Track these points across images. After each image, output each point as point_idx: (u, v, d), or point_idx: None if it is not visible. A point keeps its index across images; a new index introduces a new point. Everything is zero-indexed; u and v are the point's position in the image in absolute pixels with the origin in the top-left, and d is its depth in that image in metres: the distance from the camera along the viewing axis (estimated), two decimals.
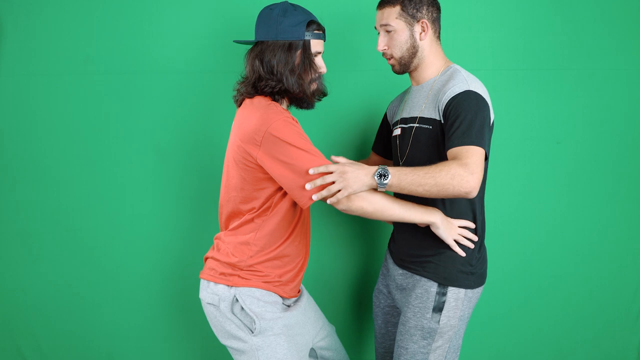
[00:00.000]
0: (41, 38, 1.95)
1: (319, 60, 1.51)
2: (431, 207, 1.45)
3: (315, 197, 1.36)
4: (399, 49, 1.53)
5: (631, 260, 2.14)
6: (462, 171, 1.29)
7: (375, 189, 1.37)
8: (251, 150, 1.40)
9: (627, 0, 2.03)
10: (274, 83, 1.46)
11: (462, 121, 1.36)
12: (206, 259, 1.59)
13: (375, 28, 1.57)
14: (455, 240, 1.47)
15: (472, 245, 1.47)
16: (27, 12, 1.94)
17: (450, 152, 1.36)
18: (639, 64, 2.06)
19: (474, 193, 1.31)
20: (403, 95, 1.72)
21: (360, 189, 1.35)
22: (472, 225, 1.49)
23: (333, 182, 1.34)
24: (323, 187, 1.36)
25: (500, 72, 1.92)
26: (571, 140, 2.07)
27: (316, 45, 1.48)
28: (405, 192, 1.35)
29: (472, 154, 1.32)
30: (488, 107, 1.43)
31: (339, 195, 1.34)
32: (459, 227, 1.48)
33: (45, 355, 2.06)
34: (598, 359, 2.16)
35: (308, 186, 1.35)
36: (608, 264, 2.13)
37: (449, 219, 1.47)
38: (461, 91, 1.40)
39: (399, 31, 1.51)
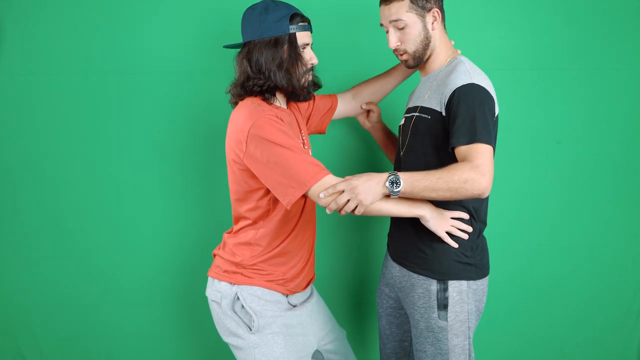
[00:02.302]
0: (41, 38, 1.95)
1: (308, 52, 1.50)
2: (420, 200, 1.41)
3: (329, 212, 1.36)
4: (413, 43, 1.49)
5: (631, 260, 2.14)
6: (473, 174, 1.28)
7: (388, 196, 1.36)
8: (238, 151, 1.40)
9: (627, 0, 2.03)
10: (262, 81, 1.45)
11: (466, 116, 1.34)
12: (214, 255, 1.60)
13: (382, 25, 1.53)
14: (449, 233, 1.44)
15: (465, 237, 1.44)
16: (27, 12, 1.94)
17: (459, 152, 1.34)
18: (639, 64, 2.06)
19: (487, 193, 1.31)
20: (416, 86, 1.71)
21: (375, 199, 1.33)
22: (465, 216, 1.46)
23: (348, 201, 1.32)
24: (339, 208, 1.34)
25: (500, 72, 1.92)
26: (571, 140, 2.07)
27: (303, 37, 1.47)
28: (418, 197, 1.34)
29: (481, 154, 1.31)
30: (492, 100, 1.41)
31: (355, 211, 1.33)
32: (452, 218, 1.44)
33: (45, 355, 2.06)
34: (598, 359, 2.16)
35: (328, 212, 1.35)
36: (608, 264, 2.13)
37: (440, 210, 1.44)
38: (464, 84, 1.38)
39: (412, 25, 1.47)
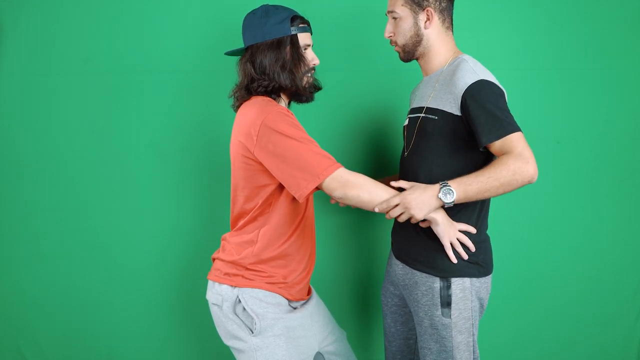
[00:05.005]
0: (41, 38, 1.95)
1: (309, 53, 1.53)
2: None
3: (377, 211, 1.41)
4: (403, 37, 1.53)
5: (631, 260, 2.14)
6: (519, 163, 1.31)
7: (442, 207, 1.39)
8: (249, 145, 1.41)
9: (626, 0, 2.03)
10: (267, 82, 1.47)
11: (487, 113, 1.35)
12: (214, 259, 1.60)
13: (386, 14, 1.58)
14: (451, 244, 1.45)
15: (465, 256, 1.45)
16: (27, 12, 1.94)
17: (494, 148, 1.36)
18: (639, 64, 2.06)
19: (535, 177, 1.33)
20: (417, 86, 1.71)
21: (429, 211, 1.38)
22: (473, 230, 1.46)
23: (402, 213, 1.39)
24: (391, 217, 1.41)
25: (500, 72, 1.92)
26: (571, 140, 2.07)
27: (304, 38, 1.50)
28: (471, 200, 1.37)
29: (518, 142, 1.33)
30: (503, 92, 1.43)
31: (411, 221, 1.40)
32: (459, 230, 1.45)
33: (45, 355, 2.06)
34: (598, 359, 2.16)
35: (376, 210, 1.39)
36: (608, 264, 2.13)
37: (450, 220, 1.45)
38: (473, 82, 1.39)
39: (404, 18, 1.51)
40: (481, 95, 1.37)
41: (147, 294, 2.04)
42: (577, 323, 2.14)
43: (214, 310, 1.52)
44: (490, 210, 1.58)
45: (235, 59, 1.58)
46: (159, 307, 2.05)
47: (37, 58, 1.96)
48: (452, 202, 1.35)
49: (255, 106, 1.43)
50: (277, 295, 1.50)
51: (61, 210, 2.01)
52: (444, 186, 1.35)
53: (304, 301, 1.59)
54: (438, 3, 1.50)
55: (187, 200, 2.02)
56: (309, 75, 1.52)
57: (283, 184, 1.41)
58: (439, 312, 1.46)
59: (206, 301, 1.56)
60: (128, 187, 2.00)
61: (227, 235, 1.58)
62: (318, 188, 1.39)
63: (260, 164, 1.42)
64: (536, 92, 2.05)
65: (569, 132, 2.06)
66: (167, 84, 1.97)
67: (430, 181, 1.45)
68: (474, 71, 1.41)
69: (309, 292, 1.64)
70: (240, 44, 1.57)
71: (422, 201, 1.36)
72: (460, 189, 1.34)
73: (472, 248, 1.46)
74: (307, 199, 1.56)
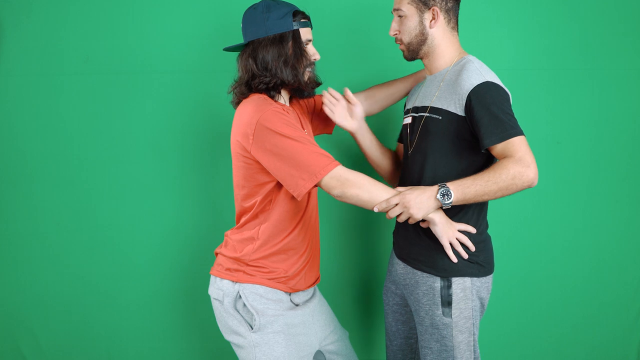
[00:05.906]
0: (41, 38, 1.95)
1: (310, 48, 1.53)
2: None
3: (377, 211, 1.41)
4: (408, 35, 1.53)
5: (631, 260, 2.14)
6: (519, 168, 1.32)
7: (440, 207, 1.40)
8: (246, 144, 1.42)
9: (627, 1, 2.03)
10: (268, 78, 1.48)
11: (491, 115, 1.36)
12: (216, 254, 1.61)
13: (392, 12, 1.58)
14: (451, 244, 1.45)
15: (466, 256, 1.46)
16: (27, 12, 1.95)
17: (496, 150, 1.37)
18: (639, 64, 2.06)
19: (535, 182, 1.34)
20: (419, 85, 1.71)
21: (428, 212, 1.39)
22: (472, 230, 1.47)
23: (401, 213, 1.40)
24: (390, 216, 1.41)
25: (500, 72, 1.92)
26: (571, 140, 2.07)
27: (305, 33, 1.51)
28: (470, 202, 1.38)
29: (519, 146, 1.34)
30: (508, 95, 1.43)
31: (409, 221, 1.41)
32: (459, 230, 1.46)
33: (45, 355, 2.06)
34: (598, 359, 2.16)
35: (375, 210, 1.40)
36: (608, 264, 2.13)
37: (449, 220, 1.46)
38: (479, 83, 1.39)
39: (409, 17, 1.52)
40: (486, 97, 1.38)
41: (148, 292, 2.05)
42: (576, 323, 2.14)
43: (215, 305, 1.53)
44: (491, 210, 1.58)
45: (235, 56, 1.58)
46: (160, 305, 2.06)
47: (37, 58, 1.96)
48: (450, 203, 1.36)
49: (252, 104, 1.44)
50: (279, 291, 1.51)
51: (61, 210, 2.01)
52: (442, 187, 1.36)
53: (306, 299, 1.60)
54: (444, 3, 1.51)
55: (188, 197, 2.02)
56: (310, 70, 1.53)
57: (281, 183, 1.42)
58: (439, 312, 1.46)
59: (208, 297, 1.57)
60: (129, 185, 2.00)
61: (229, 232, 1.59)
62: (317, 186, 1.40)
63: (259, 162, 1.42)
64: (536, 92, 2.04)
65: (569, 132, 2.06)
66: (167, 83, 1.97)
67: (434, 181, 1.45)
68: (480, 72, 1.42)
69: (315, 283, 1.64)
70: (239, 41, 1.57)
71: (420, 201, 1.37)
72: (458, 190, 1.35)
73: (472, 248, 1.46)
74: (309, 192, 1.56)
